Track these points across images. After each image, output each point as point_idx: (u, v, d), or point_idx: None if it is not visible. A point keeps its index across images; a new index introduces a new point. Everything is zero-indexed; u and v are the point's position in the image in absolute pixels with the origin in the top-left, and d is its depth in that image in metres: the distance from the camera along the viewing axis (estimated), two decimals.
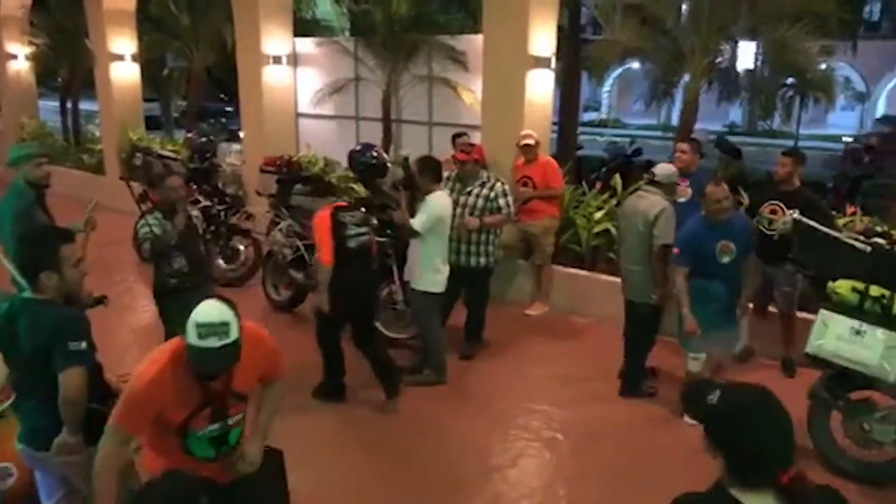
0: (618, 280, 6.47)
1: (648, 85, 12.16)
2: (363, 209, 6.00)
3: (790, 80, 13.84)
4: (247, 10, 9.15)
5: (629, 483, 4.15)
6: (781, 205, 5.19)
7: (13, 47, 13.56)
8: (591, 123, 28.25)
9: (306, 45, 9.95)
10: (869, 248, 4.17)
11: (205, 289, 4.68)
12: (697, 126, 10.74)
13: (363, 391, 5.25)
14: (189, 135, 9.36)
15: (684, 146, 6.02)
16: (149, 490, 2.24)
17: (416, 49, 8.96)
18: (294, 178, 7.12)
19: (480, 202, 5.54)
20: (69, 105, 15.91)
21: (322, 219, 4.79)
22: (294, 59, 9.65)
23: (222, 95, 22.74)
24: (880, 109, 27.58)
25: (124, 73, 11.13)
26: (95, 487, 2.52)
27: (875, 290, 4.00)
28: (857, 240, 4.31)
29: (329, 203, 4.96)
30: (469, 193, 5.58)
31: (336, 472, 4.26)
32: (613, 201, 6.94)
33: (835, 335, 4.04)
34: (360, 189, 7.44)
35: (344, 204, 5.01)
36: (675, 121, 16.30)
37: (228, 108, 21.91)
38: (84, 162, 12.34)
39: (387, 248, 5.80)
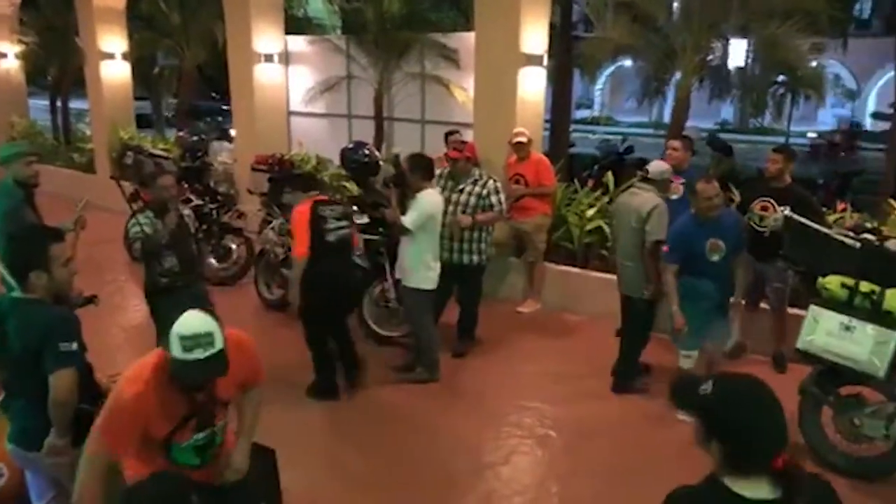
0: (610, 277, 6.50)
1: (640, 82, 12.21)
2: (354, 206, 5.99)
3: (781, 78, 13.91)
4: (238, 7, 9.11)
5: (622, 480, 4.16)
6: (772, 201, 5.21)
7: (3, 46, 13.50)
8: (583, 121, 28.32)
9: (298, 43, 9.92)
10: (858, 245, 4.19)
11: (196, 288, 4.68)
12: (689, 123, 10.78)
13: (357, 389, 5.25)
14: (180, 133, 9.32)
15: (675, 143, 6.04)
16: (138, 490, 2.23)
17: (409, 47, 8.95)
18: (286, 177, 7.11)
19: (473, 200, 5.54)
20: (59, 104, 15.83)
21: (301, 213, 4.81)
22: (286, 57, 9.62)
23: (214, 94, 22.68)
24: (870, 106, 27.72)
25: (115, 72, 11.07)
26: None
27: (865, 286, 4.02)
28: (846, 236, 4.33)
29: (309, 197, 4.96)
30: (461, 191, 5.58)
31: (328, 471, 4.26)
32: (605, 199, 6.95)
33: (825, 331, 4.06)
34: (352, 187, 7.43)
35: (324, 198, 5.01)
36: (667, 118, 16.33)
37: (225, 107, 21.82)
38: (74, 161, 12.28)
39: (379, 247, 5.80)
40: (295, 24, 12.82)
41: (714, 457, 1.71)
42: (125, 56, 11.11)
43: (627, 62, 16.75)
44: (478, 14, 7.18)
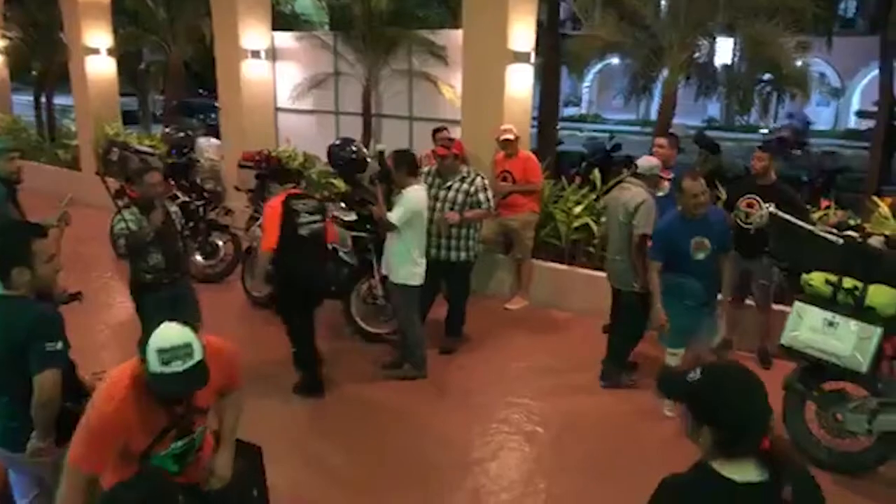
0: (597, 274, 6.55)
1: (628, 80, 12.23)
2: (342, 203, 5.98)
3: (767, 76, 14.00)
4: (225, 3, 9.06)
5: (609, 475, 4.18)
6: (758, 199, 5.25)
7: None
8: (570, 118, 28.37)
9: (285, 39, 9.87)
10: (841, 241, 4.22)
11: (182, 285, 4.66)
12: (676, 121, 10.83)
13: (344, 386, 5.25)
14: (167, 130, 9.26)
15: (662, 141, 6.08)
16: (124, 490, 2.20)
17: (396, 44, 8.93)
18: (273, 174, 7.08)
19: (460, 197, 5.54)
20: (44, 99, 15.68)
21: (273, 207, 4.83)
22: (273, 54, 9.58)
23: (201, 90, 22.50)
24: (854, 105, 27.96)
25: (100, 67, 10.97)
26: None
27: (848, 282, 4.06)
28: (830, 233, 4.36)
29: (284, 189, 4.98)
30: (449, 188, 5.58)
31: (315, 468, 4.25)
32: (592, 196, 6.98)
33: (809, 327, 4.09)
34: (340, 184, 7.42)
35: (297, 191, 5.03)
36: (654, 116, 16.41)
37: (217, 104, 21.62)
38: (59, 157, 12.17)
39: (367, 243, 5.80)
40: (282, 21, 12.77)
41: (704, 443, 1.74)
42: (110, 51, 11.01)
43: (615, 60, 16.78)
44: (465, 11, 7.18)
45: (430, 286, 5.56)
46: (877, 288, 3.99)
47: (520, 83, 7.07)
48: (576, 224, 6.83)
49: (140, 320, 4.65)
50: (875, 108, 15.85)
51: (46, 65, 15.02)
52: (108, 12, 10.91)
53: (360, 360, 5.62)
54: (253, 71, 9.32)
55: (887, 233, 4.92)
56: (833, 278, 4.11)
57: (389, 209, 5.06)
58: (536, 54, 7.38)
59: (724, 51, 12.58)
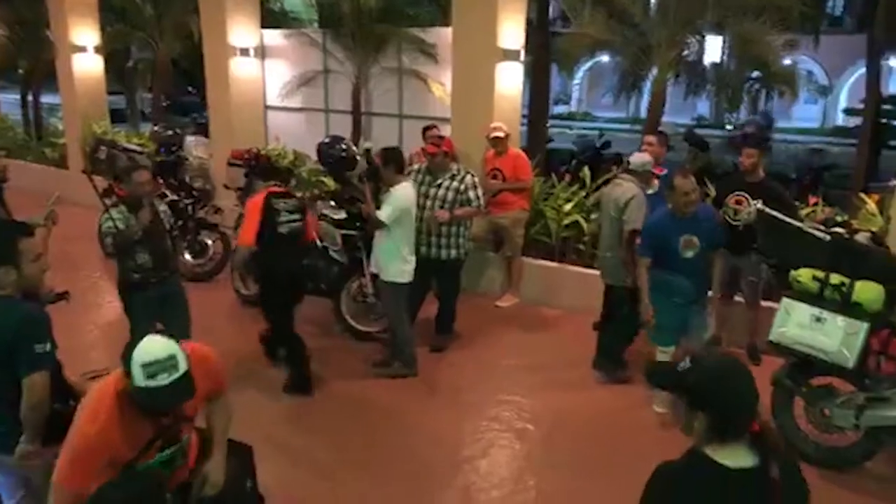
0: (587, 271, 6.58)
1: (617, 78, 12.27)
2: (331, 201, 5.97)
3: (756, 74, 14.07)
4: (212, 0, 9.01)
5: (599, 472, 4.19)
6: (746, 195, 5.27)
7: None
8: (560, 116, 28.42)
9: (274, 36, 9.83)
10: (828, 238, 4.25)
11: (170, 283, 4.64)
12: (665, 119, 10.88)
13: (334, 384, 5.24)
14: (155, 128, 9.21)
15: (651, 139, 6.10)
16: (111, 489, 2.19)
17: (386, 41, 8.91)
18: (263, 172, 7.05)
19: (451, 195, 5.54)
20: (30, 98, 15.55)
21: (254, 203, 4.90)
22: (262, 51, 9.54)
23: (190, 88, 22.36)
24: (842, 102, 28.16)
25: (87, 65, 10.89)
26: None
27: (835, 279, 4.08)
28: (817, 229, 4.39)
29: (267, 186, 5.04)
30: (439, 186, 5.57)
31: (306, 466, 4.24)
32: (582, 193, 7.00)
33: (796, 323, 4.12)
34: (330, 182, 7.40)
35: (279, 189, 5.07)
36: (644, 114, 16.45)
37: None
38: (46, 156, 12.07)
39: (357, 241, 5.79)
40: (271, 18, 12.72)
41: (698, 429, 1.78)
42: (97, 49, 10.93)
43: (605, 58, 16.84)
44: (455, 9, 7.18)
45: (421, 284, 5.56)
46: (863, 284, 4.02)
47: (509, 81, 7.07)
48: (566, 221, 6.85)
49: (128, 319, 4.64)
50: (862, 106, 15.98)
51: (33, 63, 14.88)
52: (95, 9, 10.83)
53: (351, 358, 5.62)
54: (242, 68, 9.28)
55: (874, 229, 4.97)
56: (820, 274, 4.14)
57: (378, 207, 5.06)
58: (526, 52, 7.38)
59: (714, 49, 12.64)
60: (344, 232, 5.88)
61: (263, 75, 9.71)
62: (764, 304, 5.51)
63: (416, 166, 5.86)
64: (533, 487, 4.11)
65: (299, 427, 4.73)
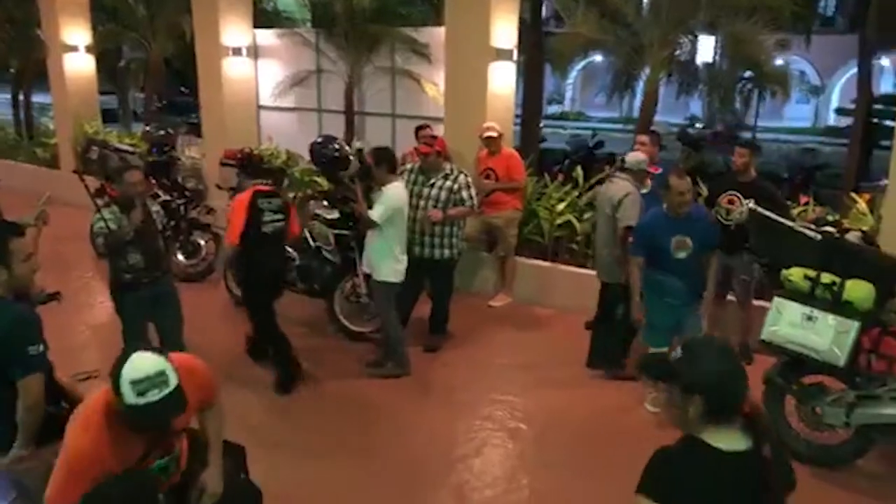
0: (580, 270, 6.60)
1: (610, 78, 12.29)
2: (324, 201, 5.96)
3: (748, 74, 14.12)
4: (205, 0, 8.99)
5: (592, 471, 4.20)
6: (738, 195, 5.29)
7: None
8: (553, 116, 28.46)
9: (267, 36, 9.82)
10: (819, 237, 4.27)
11: (162, 283, 4.62)
12: (658, 118, 10.91)
13: (328, 384, 5.24)
14: (147, 128, 9.18)
15: (644, 138, 6.12)
16: (103, 489, 2.18)
17: (379, 41, 8.91)
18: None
19: (444, 194, 5.54)
20: (21, 97, 15.46)
21: (240, 202, 4.96)
22: (254, 51, 9.52)
23: (183, 88, 22.27)
24: (834, 102, 28.30)
25: (78, 65, 10.85)
26: None
27: (826, 278, 4.10)
28: (809, 229, 4.41)
29: (254, 184, 5.10)
30: (432, 186, 5.57)
31: (299, 465, 4.23)
32: (575, 193, 7.01)
33: (788, 322, 4.13)
34: (323, 182, 7.39)
35: (266, 189, 5.11)
36: (637, 113, 16.49)
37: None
38: (37, 156, 12.02)
39: (350, 241, 5.78)
40: (264, 18, 12.70)
41: (693, 415, 1.83)
42: (89, 49, 10.89)
43: (598, 58, 16.87)
44: (448, 9, 7.18)
45: (414, 284, 5.57)
46: (854, 283, 4.04)
47: (502, 80, 7.08)
48: (559, 221, 6.86)
49: (120, 320, 4.63)
50: (854, 106, 16.07)
51: (24, 62, 14.78)
52: (87, 9, 10.79)
53: (344, 358, 5.61)
54: (234, 68, 9.26)
55: (864, 228, 5.00)
56: (812, 273, 4.15)
57: (369, 207, 5.06)
58: (519, 52, 7.39)
59: (706, 49, 12.69)
60: (337, 232, 5.87)
61: (256, 75, 9.69)
62: (756, 303, 5.53)
63: (409, 166, 5.86)
64: (526, 486, 4.11)
65: (293, 427, 4.72)
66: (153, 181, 7.27)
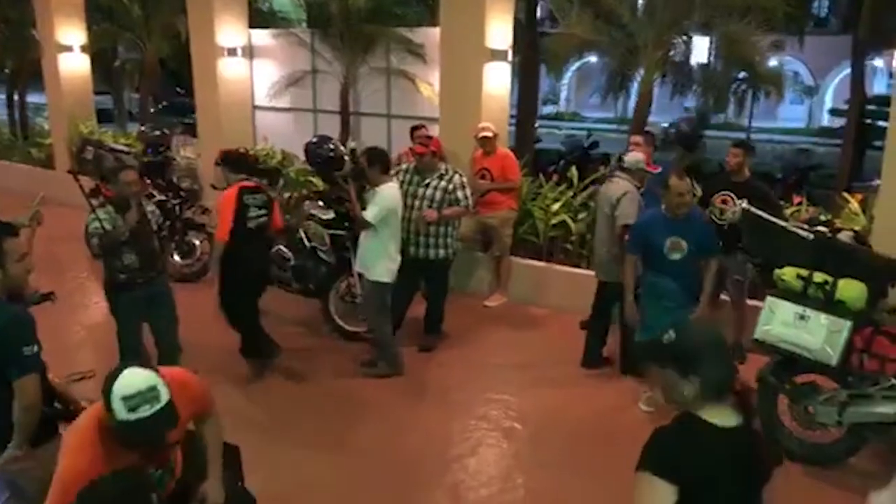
0: (575, 270, 6.62)
1: (605, 78, 12.31)
2: (319, 201, 5.97)
3: (742, 75, 14.16)
4: (200, 0, 8.98)
5: (587, 470, 4.22)
6: (732, 195, 5.32)
7: None
8: (548, 116, 28.49)
9: (262, 36, 9.81)
10: (812, 237, 4.30)
11: (157, 283, 4.62)
12: (652, 119, 10.94)
13: (322, 383, 5.25)
14: (142, 128, 9.17)
15: (638, 139, 6.15)
16: (97, 488, 2.18)
17: (374, 41, 8.91)
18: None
19: (439, 194, 5.55)
20: (16, 97, 15.42)
21: (228, 198, 5.03)
22: (250, 51, 9.51)
23: (178, 88, 22.20)
24: (828, 103, 28.40)
25: (73, 65, 10.83)
26: None
27: (818, 277, 4.12)
28: (801, 228, 4.43)
29: (239, 180, 5.16)
30: (427, 186, 5.58)
31: (294, 465, 4.24)
32: (570, 193, 7.03)
33: (781, 321, 4.15)
34: (318, 182, 7.39)
35: (250, 185, 5.19)
36: (631, 114, 16.54)
37: None
38: (32, 156, 11.99)
39: (345, 241, 5.79)
40: (259, 18, 12.68)
41: (689, 394, 1.93)
42: (84, 49, 10.87)
43: (593, 58, 16.89)
44: (443, 9, 7.19)
45: (409, 284, 5.58)
46: (846, 282, 4.06)
47: (497, 81, 7.10)
48: (553, 221, 6.88)
49: (115, 320, 4.63)
50: (847, 107, 16.12)
51: (19, 62, 14.73)
52: (82, 9, 10.77)
53: (339, 358, 5.62)
54: (230, 69, 9.25)
55: (857, 228, 5.03)
56: (804, 273, 4.17)
57: (363, 207, 5.07)
58: (514, 52, 7.41)
59: (700, 49, 12.73)
60: (332, 232, 5.87)
61: (251, 75, 9.68)
62: (749, 302, 5.55)
63: (404, 166, 5.87)
64: (521, 486, 4.13)
65: (288, 427, 4.72)
66: (148, 181, 7.27)
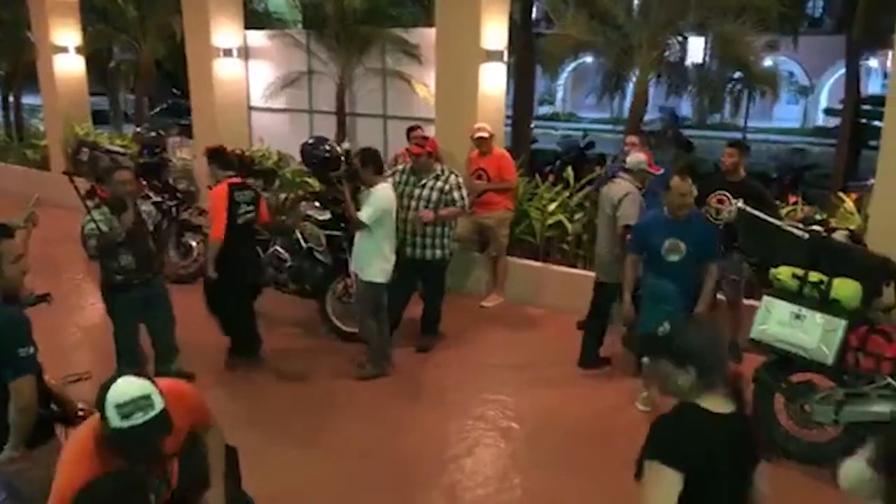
0: (571, 270, 6.63)
1: (600, 79, 12.33)
2: (315, 202, 5.97)
3: (737, 75, 14.19)
4: (195, 1, 8.97)
5: (583, 470, 4.22)
6: (728, 195, 5.33)
7: None
8: (545, 117, 28.51)
9: (258, 37, 9.80)
10: (807, 236, 4.31)
11: (154, 284, 4.62)
12: (648, 118, 10.96)
13: (319, 384, 5.24)
14: (138, 129, 9.16)
15: (633, 139, 6.18)
16: (94, 488, 2.18)
17: (370, 42, 8.91)
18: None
19: (435, 195, 5.55)
20: (11, 99, 15.39)
21: (219, 196, 5.06)
22: (245, 52, 9.50)
23: (174, 89, 22.14)
24: (823, 103, 28.47)
25: (68, 66, 10.80)
26: None
27: (814, 276, 4.13)
28: (797, 228, 4.44)
29: (227, 177, 5.20)
30: (423, 186, 5.59)
31: (291, 465, 4.24)
32: (566, 193, 7.04)
33: (777, 320, 4.16)
34: (314, 183, 7.39)
35: (238, 181, 5.24)
36: (627, 114, 16.57)
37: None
38: (27, 157, 11.96)
39: (341, 242, 5.79)
40: (255, 19, 12.66)
41: (685, 383, 2.02)
42: (79, 50, 10.85)
43: (588, 59, 16.92)
44: (438, 10, 7.20)
45: (406, 285, 5.58)
46: (841, 281, 4.08)
47: (493, 81, 7.11)
48: (550, 221, 6.88)
49: (111, 321, 4.62)
50: (842, 106, 16.17)
51: (13, 64, 14.72)
52: (77, 10, 10.75)
53: (336, 358, 5.62)
54: (225, 69, 9.24)
55: (852, 227, 5.04)
56: (800, 272, 4.18)
57: (357, 208, 5.08)
58: (510, 53, 7.42)
59: (696, 50, 12.76)
60: (328, 233, 5.87)
61: (247, 76, 9.68)
62: (745, 302, 5.57)
63: (400, 167, 5.87)
64: (518, 486, 4.13)
65: (285, 427, 4.72)
66: (144, 183, 7.25)
